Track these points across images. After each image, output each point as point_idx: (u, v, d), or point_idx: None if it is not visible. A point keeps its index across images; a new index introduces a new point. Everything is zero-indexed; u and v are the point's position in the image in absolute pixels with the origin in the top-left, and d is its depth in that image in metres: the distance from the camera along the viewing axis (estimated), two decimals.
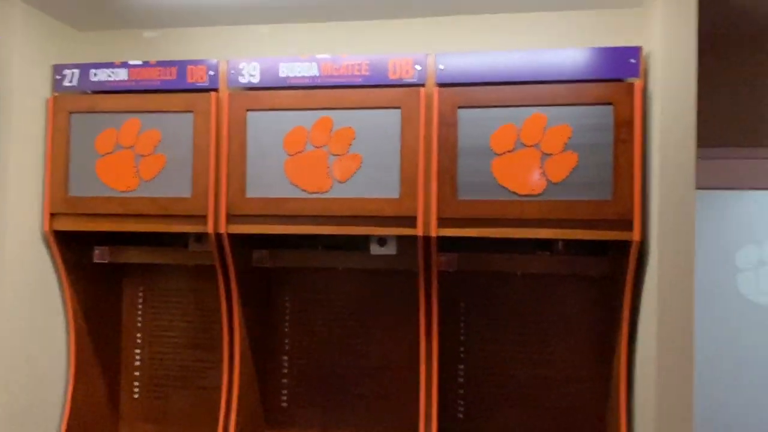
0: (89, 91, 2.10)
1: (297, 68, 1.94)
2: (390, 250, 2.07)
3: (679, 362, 1.69)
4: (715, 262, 2.24)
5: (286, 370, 2.31)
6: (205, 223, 1.95)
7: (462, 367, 2.22)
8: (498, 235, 1.84)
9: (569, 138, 1.79)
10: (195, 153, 1.96)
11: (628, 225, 1.76)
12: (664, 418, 1.69)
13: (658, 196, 1.71)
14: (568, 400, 2.14)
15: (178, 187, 1.97)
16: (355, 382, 2.26)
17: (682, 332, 1.69)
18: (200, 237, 2.11)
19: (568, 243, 2.04)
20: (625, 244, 1.79)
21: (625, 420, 1.86)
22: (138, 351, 2.38)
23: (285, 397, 2.30)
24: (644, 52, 1.80)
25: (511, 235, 1.84)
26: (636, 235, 1.75)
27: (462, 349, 2.22)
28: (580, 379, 2.13)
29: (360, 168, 1.90)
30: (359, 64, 1.92)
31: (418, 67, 1.88)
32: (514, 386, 2.18)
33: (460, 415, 2.21)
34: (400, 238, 2.02)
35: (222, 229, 1.94)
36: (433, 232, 1.85)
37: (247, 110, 1.94)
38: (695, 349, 2.22)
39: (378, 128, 1.89)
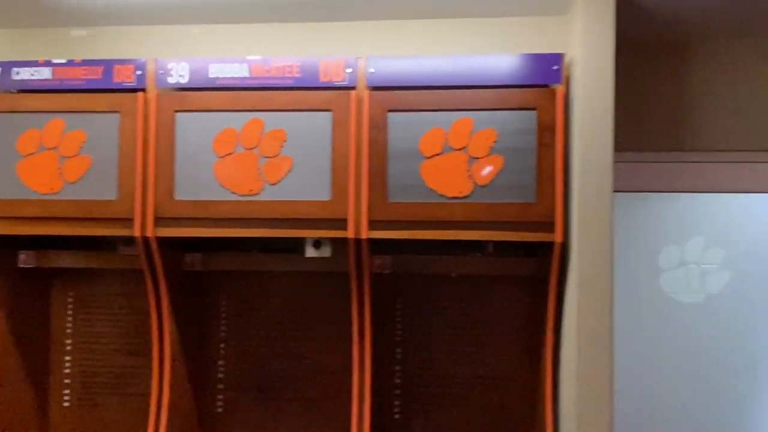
0: (13, 90, 2.03)
1: (227, 69, 1.92)
2: (325, 252, 2.07)
3: (598, 359, 1.75)
4: (639, 262, 2.33)
5: (221, 375, 2.28)
6: (132, 227, 1.91)
7: (398, 368, 2.24)
8: (427, 237, 1.87)
9: (495, 142, 1.84)
10: (121, 154, 1.92)
11: (550, 227, 1.81)
12: (584, 414, 1.75)
13: (578, 198, 1.77)
14: (502, 399, 2.18)
15: (103, 190, 1.92)
16: (291, 386, 2.25)
17: (600, 330, 1.75)
18: (130, 240, 2.06)
19: (499, 244, 2.08)
20: (550, 245, 1.84)
21: (551, 417, 1.91)
22: (68, 358, 2.31)
23: (220, 403, 2.27)
24: (567, 58, 1.86)
25: (439, 237, 1.86)
26: (558, 237, 1.80)
27: (398, 350, 2.24)
28: (513, 378, 2.18)
29: (291, 170, 1.90)
30: (290, 66, 1.91)
31: (349, 70, 1.89)
32: (449, 386, 2.21)
33: (397, 416, 2.23)
34: (335, 241, 2.02)
35: (149, 233, 1.91)
36: (364, 235, 1.87)
37: (176, 111, 1.91)
38: (619, 346, 2.31)
39: (309, 130, 1.89)
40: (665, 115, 2.30)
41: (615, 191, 2.35)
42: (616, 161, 2.34)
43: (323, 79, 1.90)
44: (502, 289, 2.19)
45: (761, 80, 2.27)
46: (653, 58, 2.30)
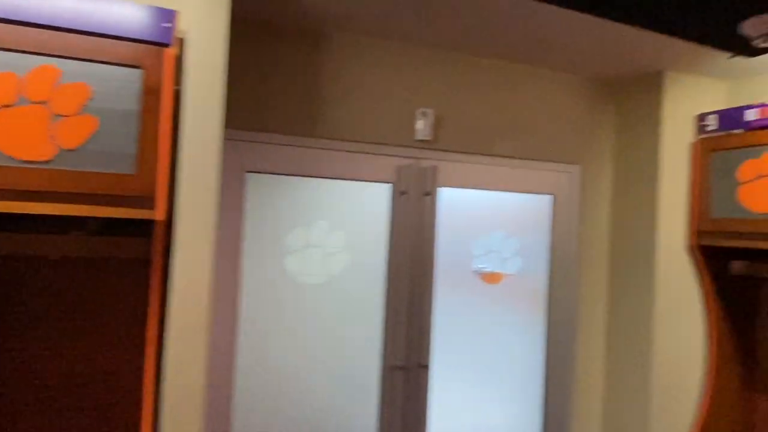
0: None
1: None
2: None
3: (193, 345, 1.64)
4: (268, 244, 2.32)
5: None
6: None
7: None
8: None
9: (89, 99, 1.55)
10: None
11: (151, 202, 1.61)
12: (175, 404, 1.62)
13: (184, 173, 1.62)
14: (109, 396, 1.93)
15: None
16: None
17: (199, 316, 1.64)
18: None
19: (106, 221, 1.81)
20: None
21: (151, 410, 1.74)
22: None
23: None
24: (184, 20, 1.69)
25: (6, 210, 1.49)
26: (159, 214, 1.62)
27: None
28: (122, 372, 1.94)
29: None
30: None
31: None
32: (46, 388, 1.86)
33: None
34: None
35: None
36: None
37: None
38: (247, 326, 2.30)
39: None
40: (299, 100, 2.33)
41: (248, 172, 2.31)
42: (249, 141, 2.30)
43: None
44: (109, 273, 1.92)
45: (380, 78, 2.48)
46: (290, 43, 2.32)
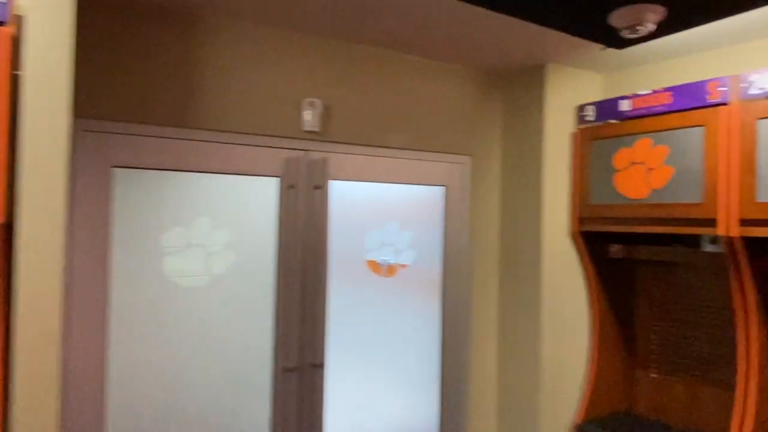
0: None
1: None
2: None
3: (42, 359, 1.46)
4: (142, 244, 2.14)
5: None
6: None
7: None
8: None
9: None
10: None
11: None
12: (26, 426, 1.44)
13: (26, 170, 1.44)
14: None
15: None
16: None
17: (48, 323, 1.47)
18: None
19: None
20: None
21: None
22: None
23: None
24: None
25: None
26: None
27: None
28: None
29: None
30: None
31: None
32: None
33: None
34: None
35: None
36: None
37: None
38: (119, 337, 2.11)
39: None
40: (173, 88, 2.17)
41: (114, 167, 2.12)
42: (115, 132, 2.11)
43: None
44: None
45: (263, 66, 2.37)
46: (161, 25, 2.14)
